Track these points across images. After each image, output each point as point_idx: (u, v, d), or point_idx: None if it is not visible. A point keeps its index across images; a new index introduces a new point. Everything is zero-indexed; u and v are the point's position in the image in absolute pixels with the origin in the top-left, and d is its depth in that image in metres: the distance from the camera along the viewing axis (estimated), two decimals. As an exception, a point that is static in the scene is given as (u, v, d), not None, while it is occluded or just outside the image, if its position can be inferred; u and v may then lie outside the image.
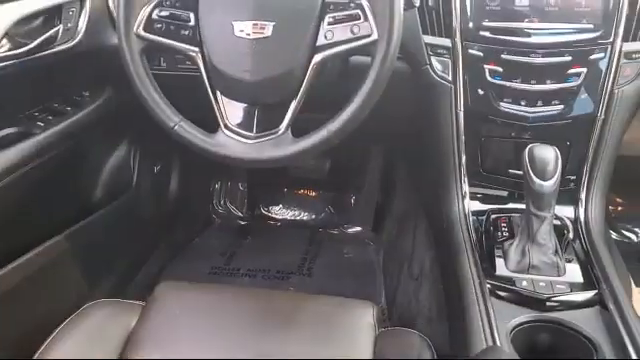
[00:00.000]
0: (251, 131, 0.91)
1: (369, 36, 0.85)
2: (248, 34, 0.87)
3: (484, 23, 1.09)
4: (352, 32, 0.86)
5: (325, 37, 0.87)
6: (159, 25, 0.91)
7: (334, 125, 0.88)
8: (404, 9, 0.87)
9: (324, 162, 1.94)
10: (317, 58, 0.88)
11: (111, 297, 1.07)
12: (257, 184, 2.05)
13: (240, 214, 2.04)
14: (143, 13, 0.91)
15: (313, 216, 2.03)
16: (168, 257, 1.77)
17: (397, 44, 0.85)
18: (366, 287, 1.64)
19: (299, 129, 0.91)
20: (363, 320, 0.96)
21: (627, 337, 0.84)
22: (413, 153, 1.58)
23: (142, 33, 0.91)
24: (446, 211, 1.18)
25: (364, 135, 1.40)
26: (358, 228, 1.96)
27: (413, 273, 1.47)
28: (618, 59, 1.05)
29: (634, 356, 0.80)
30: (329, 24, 0.87)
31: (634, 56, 1.06)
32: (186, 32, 0.91)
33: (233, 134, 0.91)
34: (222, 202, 2.06)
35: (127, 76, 0.92)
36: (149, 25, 0.91)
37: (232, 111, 0.92)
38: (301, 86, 0.89)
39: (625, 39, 1.05)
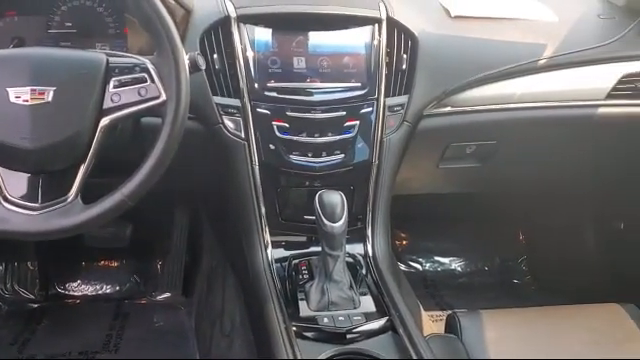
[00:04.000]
0: (36, 201, 0.86)
1: (157, 98, 0.87)
2: (26, 100, 0.84)
3: (269, 84, 1.17)
4: (140, 94, 0.87)
5: (112, 100, 0.87)
6: None
7: (128, 188, 0.87)
8: (190, 72, 0.90)
9: (124, 228, 1.85)
10: (104, 121, 0.87)
11: None
12: (49, 260, 1.87)
13: (31, 296, 1.83)
14: None
15: (117, 288, 1.91)
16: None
17: (186, 105, 0.88)
18: (179, 353, 1.58)
19: (92, 195, 0.88)
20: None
21: (416, 357, 0.93)
22: (216, 209, 1.60)
23: None
24: (251, 262, 1.21)
25: (166, 196, 1.39)
26: (167, 294, 1.89)
27: (225, 330, 1.46)
28: (383, 112, 1.20)
29: None
30: (115, 87, 0.87)
31: (395, 109, 1.22)
32: None
33: (15, 207, 0.85)
34: (9, 285, 1.84)
35: None
36: None
37: (12, 182, 0.86)
38: (89, 150, 0.86)
39: (387, 95, 1.21)
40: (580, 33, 1.33)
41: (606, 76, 1.31)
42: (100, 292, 1.90)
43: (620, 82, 1.30)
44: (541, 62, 1.27)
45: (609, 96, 1.31)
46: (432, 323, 1.67)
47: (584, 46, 1.28)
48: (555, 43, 1.29)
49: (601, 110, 1.33)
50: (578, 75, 1.30)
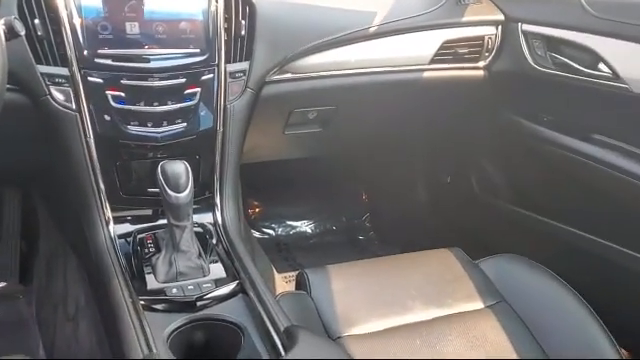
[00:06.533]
0: None
1: (-34, 67, 0.79)
2: None
3: (100, 51, 1.10)
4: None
5: None
6: None
7: None
8: (7, 38, 0.83)
9: None
10: None
11: None
12: None
13: None
14: None
15: (-62, 285, 1.71)
16: None
17: (3, 75, 0.81)
18: (19, 344, 1.47)
19: None
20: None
21: (265, 315, 0.96)
22: (51, 188, 1.49)
23: None
24: (92, 241, 1.15)
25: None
26: (2, 284, 1.73)
27: (69, 314, 1.39)
28: (225, 79, 1.19)
29: (273, 331, 0.93)
30: None
31: (237, 75, 1.21)
32: None
33: None
34: None
35: None
36: None
37: None
38: None
39: (228, 61, 1.20)
40: (406, 2, 1.42)
41: (429, 42, 1.42)
42: None
43: (442, 48, 1.42)
44: (372, 29, 1.34)
45: (432, 61, 1.43)
46: (285, 284, 1.73)
47: (410, 14, 1.37)
48: (384, 11, 1.36)
49: (426, 74, 1.45)
50: (405, 42, 1.40)
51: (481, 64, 1.50)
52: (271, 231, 2.15)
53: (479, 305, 1.15)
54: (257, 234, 2.11)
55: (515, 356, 1.03)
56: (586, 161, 1.35)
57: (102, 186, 1.16)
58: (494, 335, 1.07)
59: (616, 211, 1.35)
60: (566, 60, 1.33)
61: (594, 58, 1.27)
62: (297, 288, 1.21)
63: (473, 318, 1.10)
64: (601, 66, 1.26)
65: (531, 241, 1.60)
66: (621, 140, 1.31)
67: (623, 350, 1.05)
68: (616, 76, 1.22)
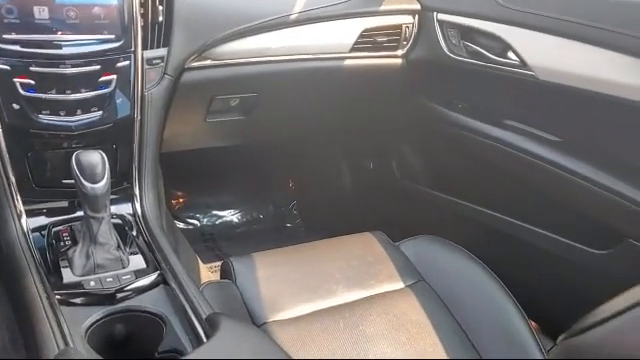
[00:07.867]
0: None
1: None
2: None
3: (5, 36, 1.04)
4: None
5: None
6: None
7: None
8: None
9: None
10: None
11: None
12: None
13: None
14: None
15: None
16: None
17: None
18: None
19: None
20: None
21: (187, 305, 0.96)
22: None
23: None
24: (3, 236, 1.10)
25: None
26: None
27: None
28: (142, 65, 1.16)
29: (195, 320, 0.93)
30: None
31: (155, 62, 1.18)
32: None
33: None
34: None
35: None
36: None
37: None
38: None
39: (144, 47, 1.16)
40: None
41: (349, 31, 1.44)
42: None
43: (361, 36, 1.45)
44: (292, 17, 1.34)
45: (353, 49, 1.45)
46: (211, 274, 1.72)
47: (329, 2, 1.38)
48: (305, -2, 1.37)
49: (347, 62, 1.47)
50: (326, 30, 1.41)
51: (399, 52, 1.54)
52: (196, 221, 2.12)
53: (399, 285, 1.19)
54: (181, 225, 2.07)
55: (434, 332, 1.07)
56: (498, 145, 1.42)
57: (12, 178, 1.11)
58: (414, 313, 1.11)
59: (526, 192, 1.43)
60: (478, 48, 1.39)
61: (503, 46, 1.33)
62: (222, 277, 1.20)
63: (393, 298, 1.14)
64: (510, 54, 1.32)
65: (448, 223, 1.66)
66: (530, 125, 1.38)
67: (532, 322, 1.12)
68: (523, 64, 1.29)
